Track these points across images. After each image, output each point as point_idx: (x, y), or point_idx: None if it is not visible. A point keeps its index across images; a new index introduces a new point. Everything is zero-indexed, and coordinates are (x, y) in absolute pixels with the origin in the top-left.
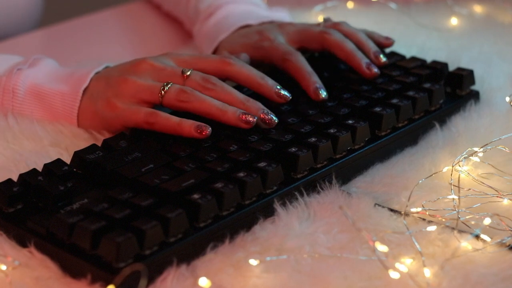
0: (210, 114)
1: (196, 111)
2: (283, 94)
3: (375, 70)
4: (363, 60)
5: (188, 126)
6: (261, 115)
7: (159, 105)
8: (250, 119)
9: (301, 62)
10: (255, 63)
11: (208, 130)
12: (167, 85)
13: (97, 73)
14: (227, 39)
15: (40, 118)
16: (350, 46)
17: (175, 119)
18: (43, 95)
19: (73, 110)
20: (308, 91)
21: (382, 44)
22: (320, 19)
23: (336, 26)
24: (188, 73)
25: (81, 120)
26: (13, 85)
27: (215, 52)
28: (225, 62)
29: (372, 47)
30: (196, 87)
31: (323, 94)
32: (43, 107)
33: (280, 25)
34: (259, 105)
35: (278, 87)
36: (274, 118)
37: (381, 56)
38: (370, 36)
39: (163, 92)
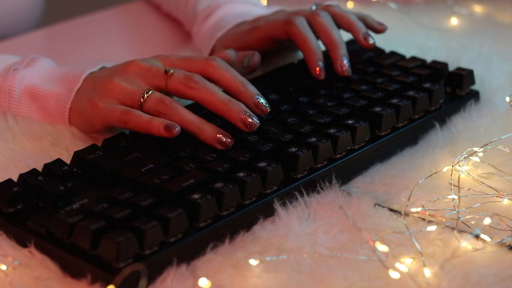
0: (187, 130)
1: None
2: (261, 104)
3: (323, 74)
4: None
5: (157, 125)
6: (243, 117)
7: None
8: (228, 141)
9: (306, 30)
10: (251, 47)
11: (177, 128)
12: (147, 92)
13: (91, 73)
14: (223, 36)
15: (37, 119)
16: (335, 33)
17: (145, 117)
18: (38, 96)
19: (65, 111)
20: (310, 66)
21: (375, 28)
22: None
23: (327, 8)
24: (171, 71)
25: (71, 120)
26: (9, 86)
27: (212, 51)
28: (209, 63)
29: (361, 28)
30: (179, 86)
31: (322, 74)
32: (38, 108)
33: (272, 13)
34: (241, 106)
35: (258, 97)
36: (256, 121)
37: (370, 38)
38: (363, 19)
39: (142, 100)
